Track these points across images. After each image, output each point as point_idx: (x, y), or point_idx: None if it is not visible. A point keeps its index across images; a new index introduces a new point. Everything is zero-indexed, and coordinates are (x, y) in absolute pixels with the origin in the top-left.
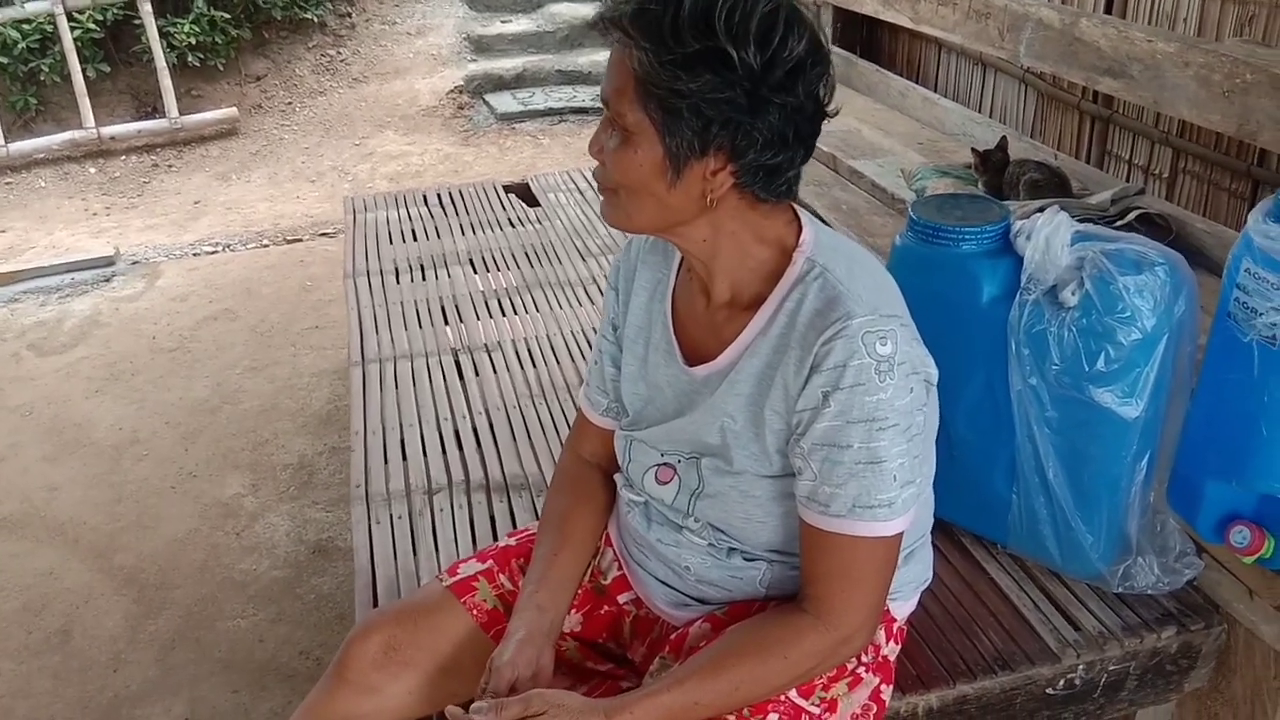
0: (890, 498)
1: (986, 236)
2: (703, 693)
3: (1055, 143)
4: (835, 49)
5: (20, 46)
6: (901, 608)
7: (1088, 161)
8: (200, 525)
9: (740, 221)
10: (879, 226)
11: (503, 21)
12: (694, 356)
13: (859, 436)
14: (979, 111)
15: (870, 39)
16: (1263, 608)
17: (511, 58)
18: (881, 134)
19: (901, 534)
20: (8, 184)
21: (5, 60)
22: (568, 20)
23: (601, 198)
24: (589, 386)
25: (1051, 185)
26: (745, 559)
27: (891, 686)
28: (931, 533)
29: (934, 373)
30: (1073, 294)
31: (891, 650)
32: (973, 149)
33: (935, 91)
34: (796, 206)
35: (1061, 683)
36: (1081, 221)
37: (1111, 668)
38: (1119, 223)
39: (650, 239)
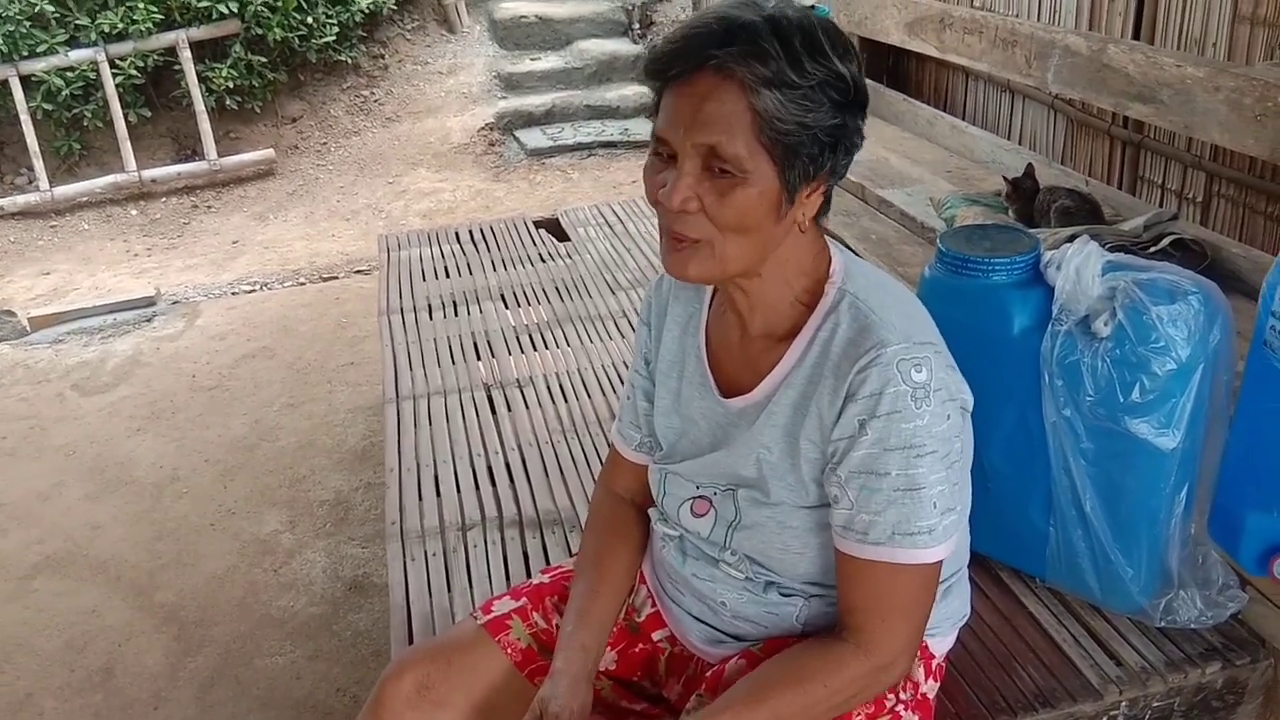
0: (930, 525)
1: (1017, 267)
2: None
3: (1086, 169)
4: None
5: (64, 93)
6: (940, 644)
7: (1120, 188)
8: (239, 562)
9: (794, 247)
10: (909, 256)
11: (532, 59)
12: (729, 389)
13: (897, 464)
14: (1008, 139)
15: (897, 68)
16: None
17: (541, 94)
18: (909, 163)
19: (941, 563)
20: (53, 227)
21: (50, 106)
22: (596, 56)
23: (674, 250)
24: (621, 422)
25: (1083, 212)
26: (782, 594)
27: None
28: (969, 567)
29: (969, 399)
30: (1105, 324)
31: (930, 688)
32: (1004, 177)
33: (963, 119)
34: (826, 236)
35: (1105, 719)
36: (1115, 249)
37: (1155, 704)
38: (1153, 249)
39: None
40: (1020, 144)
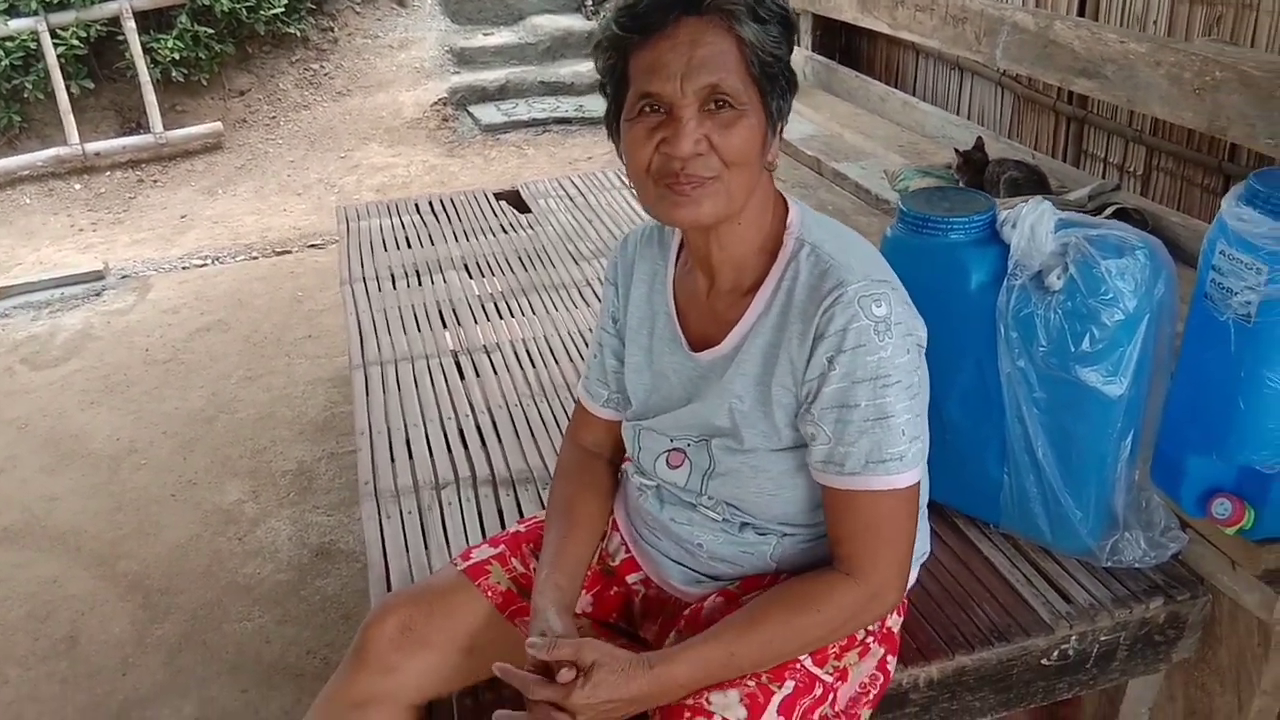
0: (900, 450)
1: (974, 226)
2: (739, 645)
3: (1033, 143)
4: (815, 56)
5: (3, 63)
6: None
7: (1064, 160)
8: (202, 531)
9: (761, 192)
10: (865, 226)
11: (485, 34)
12: (698, 343)
13: (866, 395)
14: (957, 114)
15: (849, 45)
16: (1245, 578)
17: (494, 70)
18: (863, 138)
19: (917, 488)
20: None
21: None
22: (549, 32)
23: (684, 194)
24: (588, 379)
25: (1030, 183)
26: (757, 533)
27: (896, 658)
28: (929, 511)
29: (924, 336)
30: (1058, 278)
31: (895, 623)
32: (955, 149)
33: (914, 96)
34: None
35: (1055, 653)
36: None
37: (1103, 638)
38: (1097, 218)
39: (647, 232)
40: (969, 119)
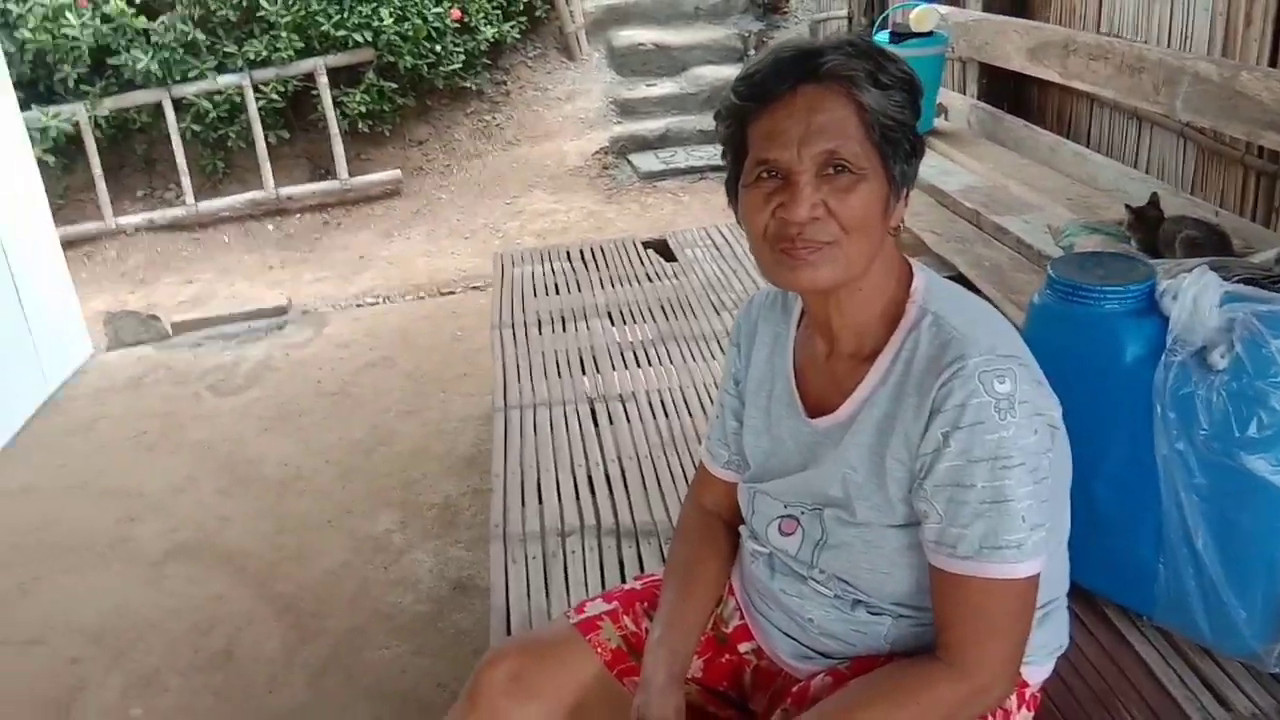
0: (1019, 539)
1: (1130, 296)
2: None
3: (1218, 199)
4: (980, 104)
5: (211, 115)
6: (1034, 673)
7: (1253, 219)
8: (353, 559)
9: (885, 258)
10: (1023, 284)
11: (648, 85)
12: (815, 409)
13: (983, 475)
14: (1134, 167)
15: (1019, 94)
16: None
17: (655, 119)
18: (1029, 190)
19: (1036, 579)
20: (196, 239)
21: (198, 127)
22: (710, 82)
23: (800, 259)
24: (710, 440)
25: (1210, 243)
26: (870, 612)
27: None
28: (1070, 599)
29: (1058, 416)
30: (1222, 356)
31: (1024, 718)
32: (1126, 205)
33: (1087, 146)
34: (906, 255)
35: None
36: (1244, 282)
37: None
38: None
39: (771, 295)
40: (1147, 173)
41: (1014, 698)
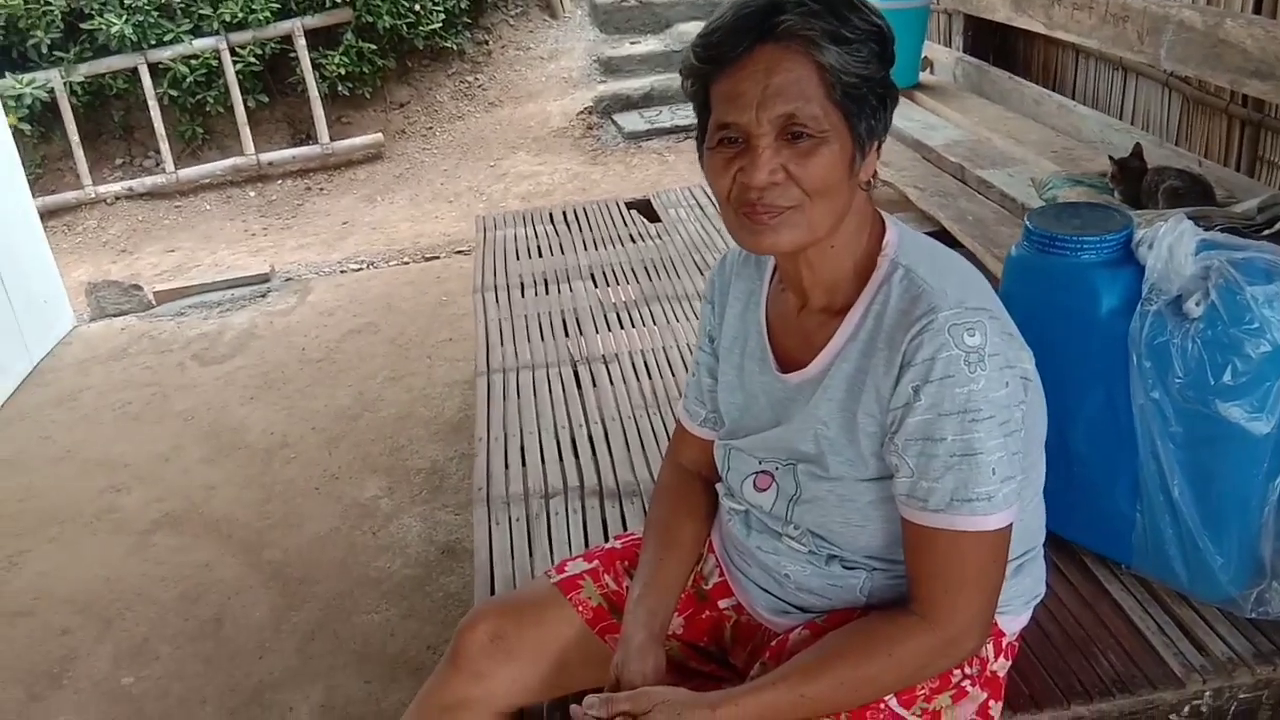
0: (989, 491)
1: (1106, 246)
2: (807, 688)
3: (1202, 149)
4: (966, 57)
5: (189, 80)
6: (1011, 622)
7: (1237, 169)
8: (340, 524)
9: (855, 214)
10: (1006, 238)
11: (631, 43)
12: (788, 364)
13: (952, 429)
14: (1119, 118)
15: (1004, 46)
16: None
17: (640, 78)
18: (1013, 143)
19: (1007, 531)
20: (177, 207)
21: (175, 93)
22: None
23: (762, 223)
24: (687, 398)
25: (1193, 193)
26: (845, 566)
27: (1001, 703)
28: (1048, 549)
29: (1031, 369)
30: (1197, 304)
31: (1001, 666)
32: (1110, 157)
33: (1073, 99)
34: (878, 208)
35: (1186, 709)
36: (1225, 231)
37: (1242, 695)
38: (1266, 232)
39: (744, 252)
40: (1132, 123)
41: (991, 646)
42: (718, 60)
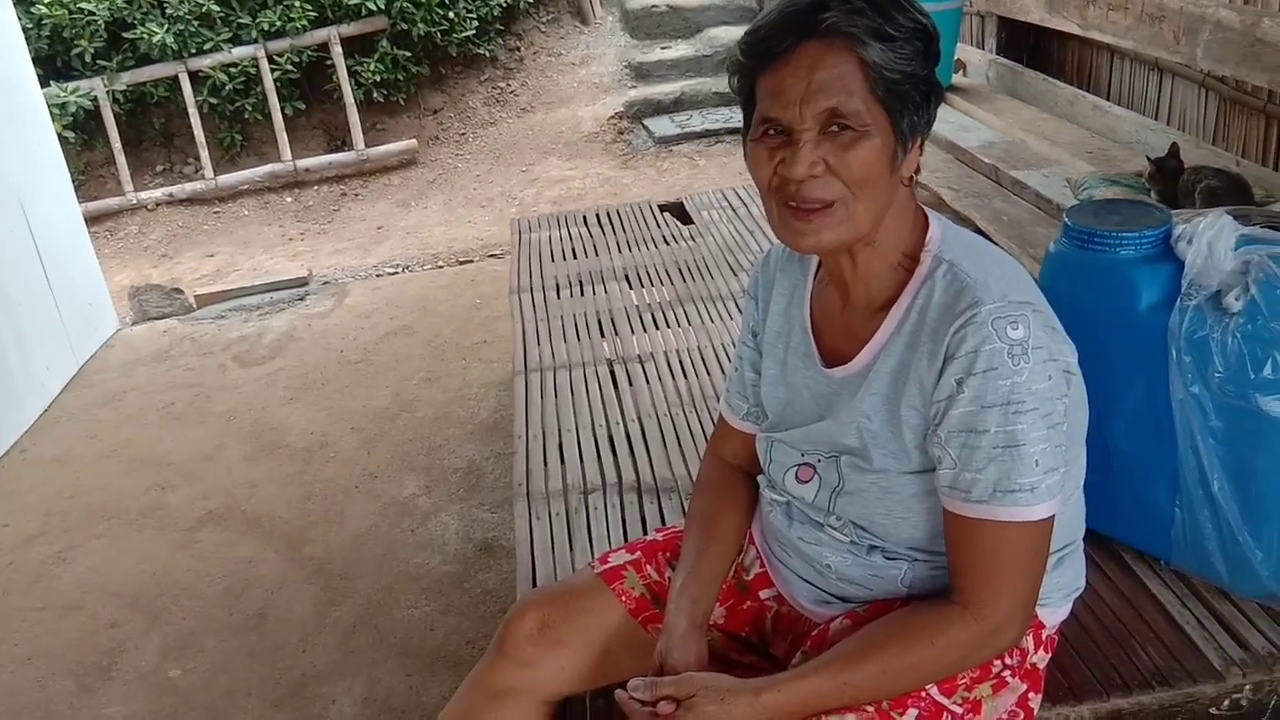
0: (1032, 482)
1: (1145, 241)
2: (848, 675)
3: (1240, 149)
4: (999, 59)
5: (227, 88)
6: (1051, 615)
7: (1275, 169)
8: (380, 522)
9: (898, 210)
10: (1042, 238)
11: (662, 48)
12: (832, 359)
13: (995, 420)
14: (1154, 118)
15: (1037, 47)
16: None
17: (670, 83)
18: (1048, 144)
19: (1049, 522)
20: (216, 213)
21: (215, 100)
22: (725, 43)
23: (804, 220)
24: (729, 392)
25: (1231, 193)
26: (886, 557)
27: (1040, 695)
28: (1087, 544)
29: (1074, 362)
30: (1237, 299)
31: (1040, 658)
32: (1147, 157)
33: (1107, 99)
34: (922, 205)
35: (1226, 703)
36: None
37: None
38: None
39: (788, 249)
40: (1168, 124)
41: (1031, 639)
42: (763, 56)
